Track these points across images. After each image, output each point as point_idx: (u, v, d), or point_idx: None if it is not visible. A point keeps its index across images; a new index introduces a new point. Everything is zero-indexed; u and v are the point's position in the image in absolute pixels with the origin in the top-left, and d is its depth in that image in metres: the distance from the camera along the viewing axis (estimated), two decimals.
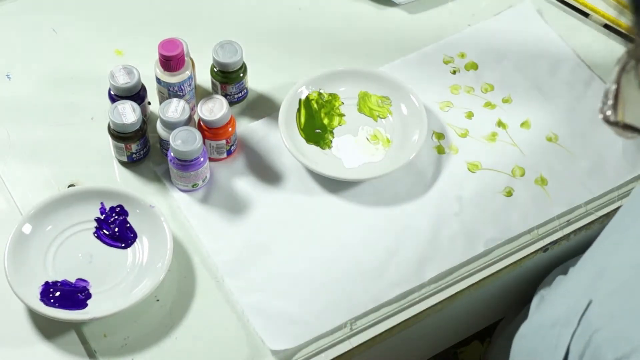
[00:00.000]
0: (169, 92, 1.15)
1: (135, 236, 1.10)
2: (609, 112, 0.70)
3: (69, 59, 1.27)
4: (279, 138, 1.17)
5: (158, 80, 1.15)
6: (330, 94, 1.22)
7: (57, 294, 1.05)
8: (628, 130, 0.70)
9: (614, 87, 0.70)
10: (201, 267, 1.10)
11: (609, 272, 0.89)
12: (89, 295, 1.06)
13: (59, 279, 1.06)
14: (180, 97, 1.15)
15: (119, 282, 1.07)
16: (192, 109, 1.17)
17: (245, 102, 1.23)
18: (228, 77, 1.19)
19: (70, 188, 1.13)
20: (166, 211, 1.12)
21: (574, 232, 1.15)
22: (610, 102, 0.70)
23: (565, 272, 1.11)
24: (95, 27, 1.30)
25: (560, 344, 0.91)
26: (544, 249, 1.14)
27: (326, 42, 1.29)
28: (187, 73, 1.15)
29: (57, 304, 1.04)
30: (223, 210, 1.13)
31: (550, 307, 0.98)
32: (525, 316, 1.13)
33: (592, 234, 1.11)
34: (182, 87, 1.15)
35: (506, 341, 1.13)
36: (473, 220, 1.14)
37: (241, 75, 1.20)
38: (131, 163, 1.17)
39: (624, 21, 0.65)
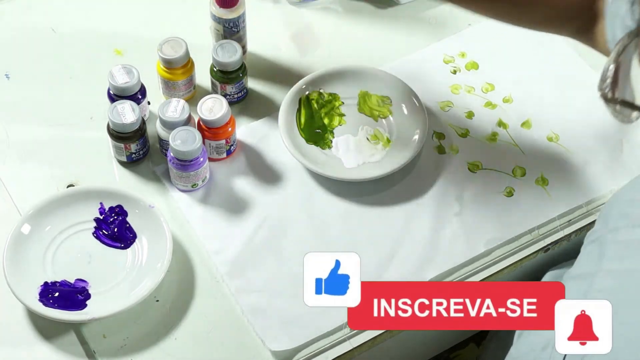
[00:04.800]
0: (224, 29, 1.19)
1: (135, 236, 1.10)
2: (607, 90, 0.71)
3: (68, 58, 1.26)
4: (279, 138, 1.17)
5: (213, 17, 1.20)
6: (330, 94, 1.22)
7: (56, 294, 1.05)
8: (625, 107, 0.70)
9: (613, 65, 0.70)
10: (201, 267, 1.09)
11: (593, 294, 0.89)
12: (88, 296, 1.05)
13: (58, 280, 1.06)
14: (234, 33, 1.20)
15: (118, 283, 1.07)
16: (244, 49, 1.24)
17: (245, 102, 1.23)
18: (228, 77, 1.19)
19: (69, 188, 1.13)
20: (166, 211, 1.12)
21: (575, 232, 1.14)
22: (609, 80, 0.70)
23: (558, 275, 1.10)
24: (95, 27, 1.30)
25: None
26: (545, 249, 1.13)
27: (326, 41, 1.29)
28: (242, 9, 1.20)
29: (56, 305, 1.04)
30: (223, 210, 1.13)
31: None
32: None
33: None
34: (237, 23, 1.20)
35: (499, 342, 1.12)
36: (473, 221, 1.13)
37: (241, 75, 1.19)
38: (130, 163, 1.16)
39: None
